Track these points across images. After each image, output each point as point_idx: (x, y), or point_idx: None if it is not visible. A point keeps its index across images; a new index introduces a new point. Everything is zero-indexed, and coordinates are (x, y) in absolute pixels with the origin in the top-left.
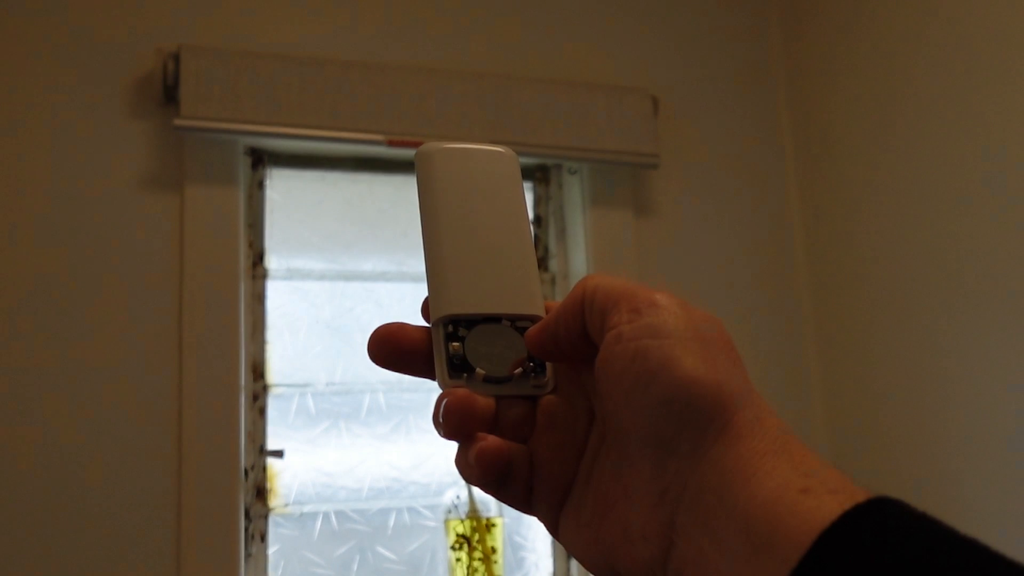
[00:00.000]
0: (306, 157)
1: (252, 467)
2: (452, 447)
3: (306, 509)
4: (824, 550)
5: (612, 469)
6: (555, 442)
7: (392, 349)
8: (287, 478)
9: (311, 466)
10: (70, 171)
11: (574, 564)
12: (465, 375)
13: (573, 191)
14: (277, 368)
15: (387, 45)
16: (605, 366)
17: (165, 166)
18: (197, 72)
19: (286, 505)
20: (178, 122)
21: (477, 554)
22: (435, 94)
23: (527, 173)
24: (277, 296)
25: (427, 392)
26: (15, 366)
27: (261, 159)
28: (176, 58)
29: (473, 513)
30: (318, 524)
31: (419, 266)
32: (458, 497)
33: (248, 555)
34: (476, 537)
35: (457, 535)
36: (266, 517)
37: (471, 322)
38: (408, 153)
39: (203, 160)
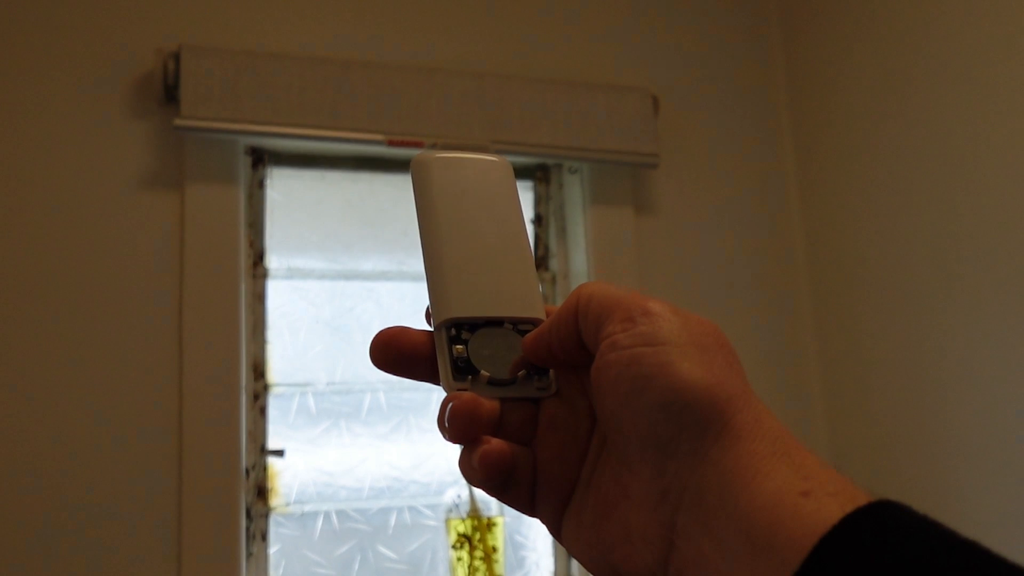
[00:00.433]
0: (306, 157)
1: (253, 466)
2: (453, 447)
3: (307, 508)
4: (825, 553)
5: (613, 471)
6: (557, 444)
7: (394, 353)
8: (288, 477)
9: (312, 465)
10: (70, 171)
11: (575, 563)
12: (469, 378)
13: (573, 190)
14: (278, 367)
15: (387, 45)
16: (600, 374)
17: (165, 166)
18: (197, 72)
19: (287, 504)
20: (178, 122)
21: (478, 553)
22: (435, 94)
23: (527, 172)
24: (277, 296)
25: (427, 392)
26: (15, 366)
27: (261, 158)
28: (176, 58)
29: (474, 512)
30: (319, 523)
31: (419, 265)
32: (459, 496)
33: (249, 554)
34: (477, 536)
35: (458, 534)
36: (267, 516)
37: (474, 325)
38: (408, 153)
39: (203, 160)
